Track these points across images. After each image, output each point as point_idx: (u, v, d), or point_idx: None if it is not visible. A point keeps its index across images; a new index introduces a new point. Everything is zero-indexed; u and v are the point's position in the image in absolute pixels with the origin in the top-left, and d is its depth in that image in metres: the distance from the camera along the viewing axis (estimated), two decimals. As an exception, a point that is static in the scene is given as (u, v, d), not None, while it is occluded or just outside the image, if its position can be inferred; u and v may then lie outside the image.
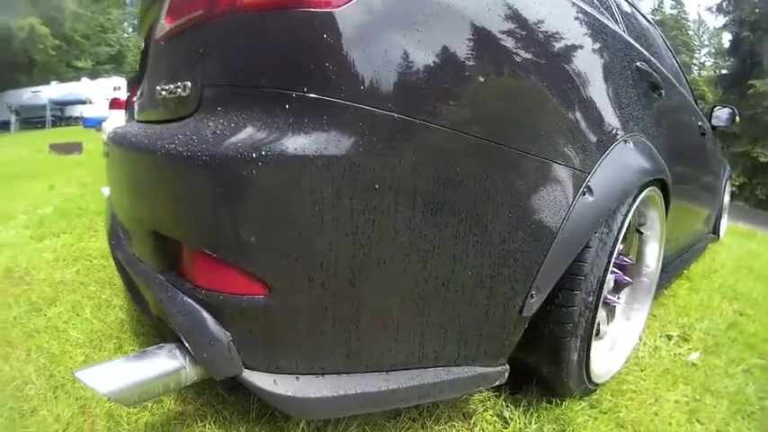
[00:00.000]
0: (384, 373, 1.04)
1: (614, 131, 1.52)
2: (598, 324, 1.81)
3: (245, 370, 0.95)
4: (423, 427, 1.38)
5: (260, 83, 0.91)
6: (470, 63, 1.04)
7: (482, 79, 1.06)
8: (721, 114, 3.40)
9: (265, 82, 0.90)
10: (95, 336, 1.78)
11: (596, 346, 1.80)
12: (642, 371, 1.99)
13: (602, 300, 1.52)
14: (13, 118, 24.72)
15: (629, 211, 1.54)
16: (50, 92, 25.10)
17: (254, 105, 0.89)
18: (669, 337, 2.30)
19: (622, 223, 1.52)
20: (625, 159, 1.52)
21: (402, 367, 1.07)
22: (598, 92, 1.49)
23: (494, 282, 1.14)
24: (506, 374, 1.26)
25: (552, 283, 1.26)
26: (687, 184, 2.61)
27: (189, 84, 1.01)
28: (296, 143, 0.84)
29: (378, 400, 1.02)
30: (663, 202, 1.90)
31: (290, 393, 0.94)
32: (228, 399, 1.36)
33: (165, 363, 0.93)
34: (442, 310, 1.08)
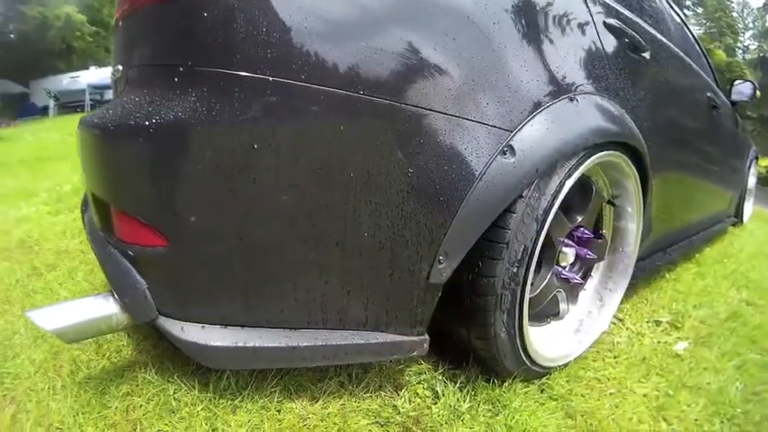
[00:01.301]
0: (287, 329, 1.01)
1: (555, 88, 1.25)
2: (558, 303, 1.55)
3: (161, 316, 1.00)
4: (349, 393, 1.25)
5: (156, 60, 0.99)
6: (352, 18, 0.94)
7: (369, 34, 0.94)
8: (742, 89, 2.95)
9: (160, 59, 0.98)
10: (81, 295, 1.76)
11: (553, 327, 1.54)
12: (615, 357, 1.69)
13: (530, 273, 1.25)
14: (51, 103, 24.30)
15: (569, 175, 1.27)
16: (89, 77, 24.27)
17: (153, 81, 0.97)
18: (657, 323, 1.97)
19: (559, 188, 1.25)
20: (566, 118, 1.24)
21: (306, 326, 1.03)
22: (533, 44, 1.23)
23: (395, 244, 1.02)
24: (426, 345, 1.12)
25: (464, 249, 1.07)
26: (688, 159, 2.24)
27: (121, 67, 1.12)
28: (181, 110, 0.88)
29: (279, 355, 1.00)
30: (635, 172, 1.59)
31: (194, 340, 0.96)
32: (177, 352, 1.25)
33: (101, 307, 1.00)
34: (341, 271, 1.01)
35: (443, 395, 1.29)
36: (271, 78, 0.87)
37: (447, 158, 1.02)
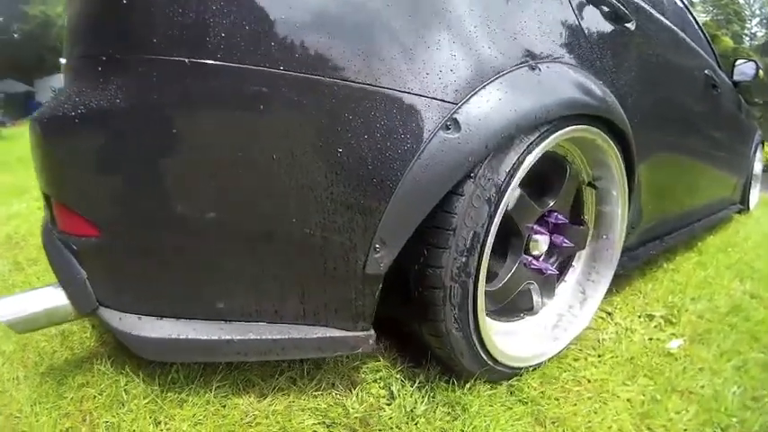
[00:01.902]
0: (221, 322, 0.95)
1: (512, 55, 1.06)
2: (531, 296, 1.36)
3: (102, 307, 0.98)
4: (299, 390, 1.15)
5: (84, 52, 0.94)
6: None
7: (288, 6, 0.84)
8: (744, 69, 2.70)
9: (85, 50, 0.94)
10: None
11: (525, 323, 1.35)
12: (599, 356, 1.48)
13: (483, 263, 1.06)
14: (55, 101, 25.28)
15: (529, 151, 1.08)
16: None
17: (82, 72, 0.93)
18: (650, 318, 1.76)
19: (516, 166, 1.06)
20: (524, 88, 1.05)
21: (240, 319, 0.95)
22: (485, 7, 1.05)
23: (326, 231, 0.90)
24: (371, 341, 0.99)
25: (403, 236, 0.93)
26: (684, 140, 2.02)
27: (63, 60, 1.07)
28: (103, 100, 0.85)
29: (214, 349, 0.93)
30: (617, 151, 1.38)
31: (130, 331, 0.94)
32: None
33: (51, 299, 0.98)
34: (271, 261, 0.92)
35: (399, 395, 1.16)
36: (187, 60, 0.81)
37: (380, 136, 0.88)
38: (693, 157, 2.15)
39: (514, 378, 1.29)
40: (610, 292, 1.83)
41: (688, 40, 2.12)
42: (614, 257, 1.53)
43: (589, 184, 1.48)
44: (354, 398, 1.14)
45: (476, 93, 0.97)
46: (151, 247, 0.92)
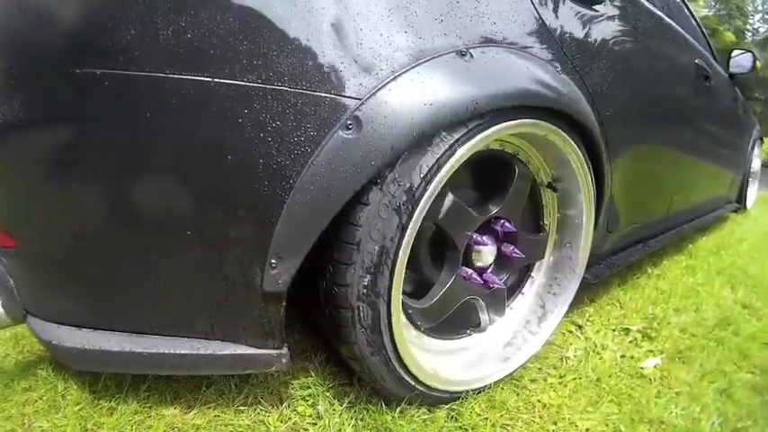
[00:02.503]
0: (133, 334, 0.92)
1: (434, 40, 0.88)
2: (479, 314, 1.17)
3: (30, 315, 1.00)
4: (225, 405, 1.08)
5: None
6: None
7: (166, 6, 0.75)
8: (741, 60, 2.46)
9: None
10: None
11: (472, 341, 1.17)
12: (560, 377, 1.29)
13: (396, 282, 0.90)
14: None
15: (452, 152, 0.89)
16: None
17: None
18: (626, 332, 1.56)
19: (434, 170, 0.88)
20: (447, 77, 0.87)
21: (150, 332, 0.92)
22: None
23: (222, 245, 0.82)
24: (285, 360, 0.91)
25: (300, 251, 0.81)
26: (668, 134, 1.80)
27: None
28: (8, 112, 0.83)
29: (128, 361, 0.91)
30: (579, 148, 1.18)
31: (52, 340, 0.94)
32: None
33: None
34: (172, 274, 0.87)
35: (325, 415, 1.05)
36: (78, 71, 0.77)
37: (272, 140, 0.77)
38: (681, 154, 1.92)
39: (457, 402, 1.12)
40: (582, 302, 1.64)
41: (676, 26, 1.90)
42: (578, 267, 1.33)
43: (548, 185, 1.28)
44: (279, 415, 1.05)
45: (384, 86, 0.81)
46: (63, 258, 0.91)
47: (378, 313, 0.88)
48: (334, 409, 1.06)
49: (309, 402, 1.09)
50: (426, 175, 0.86)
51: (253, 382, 1.13)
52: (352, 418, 1.04)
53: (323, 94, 0.77)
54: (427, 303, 1.07)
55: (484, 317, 1.21)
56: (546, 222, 1.33)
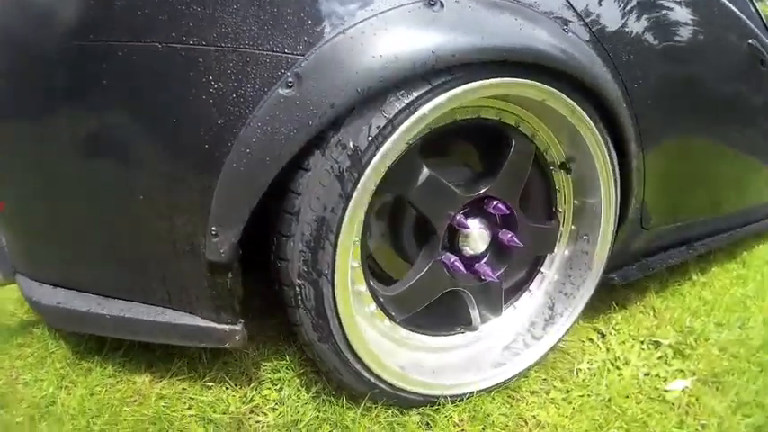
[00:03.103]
0: (100, 296, 0.92)
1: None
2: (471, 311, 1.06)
3: (18, 274, 1.03)
4: (193, 378, 1.05)
5: None
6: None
7: None
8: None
9: None
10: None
11: (458, 340, 1.01)
12: (566, 392, 1.10)
13: (341, 257, 0.78)
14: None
15: (409, 112, 0.75)
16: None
17: None
18: (656, 346, 1.32)
19: (386, 132, 0.74)
20: (405, 29, 0.73)
21: (115, 295, 0.91)
22: None
23: (170, 211, 0.79)
24: (238, 338, 0.85)
25: (238, 219, 0.73)
26: (717, 124, 1.51)
27: None
28: None
29: (96, 323, 0.91)
30: (595, 123, 0.98)
31: (31, 296, 0.97)
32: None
33: None
34: (129, 239, 0.86)
35: (287, 402, 0.99)
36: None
37: (213, 102, 0.72)
38: (731, 147, 1.62)
39: (434, 407, 0.97)
40: (610, 307, 1.41)
41: (724, 0, 1.61)
42: (595, 264, 1.12)
43: (561, 166, 1.08)
44: (242, 396, 1.00)
45: (331, 39, 0.70)
46: (38, 218, 0.93)
47: (321, 294, 0.78)
48: (298, 397, 0.99)
49: (277, 387, 1.03)
50: (376, 137, 0.72)
51: (226, 360, 1.09)
52: (313, 410, 0.96)
53: (265, 52, 0.70)
54: (398, 290, 0.93)
55: (474, 313, 1.04)
56: (559, 209, 1.12)
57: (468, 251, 0.98)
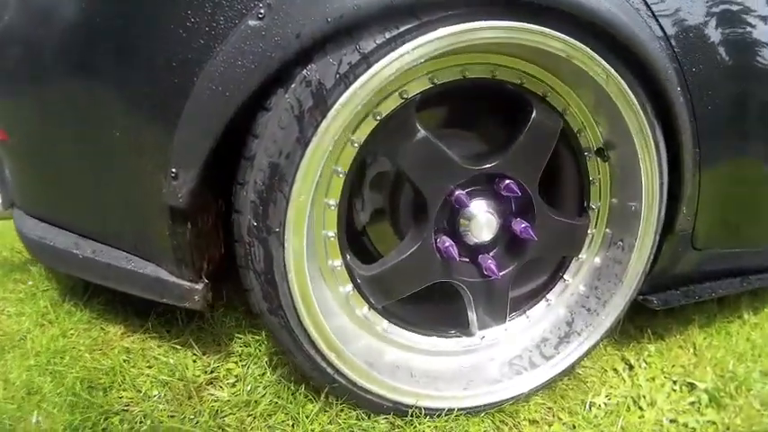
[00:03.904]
0: (78, 236, 0.88)
1: None
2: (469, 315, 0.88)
3: (17, 207, 1.03)
4: (164, 338, 1.01)
5: None
6: None
7: None
8: None
9: None
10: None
11: (453, 345, 0.88)
12: (572, 428, 0.90)
13: (294, 212, 0.66)
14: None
15: (390, 48, 0.62)
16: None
17: None
18: (690, 388, 1.08)
19: (358, 70, 0.63)
20: None
21: (90, 237, 0.88)
22: None
23: (138, 149, 0.72)
24: (198, 298, 0.77)
25: (197, 159, 0.66)
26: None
27: None
28: None
29: (67, 261, 0.88)
30: (645, 104, 0.80)
31: (21, 229, 0.96)
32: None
33: None
34: (95, 178, 0.81)
35: (248, 380, 0.91)
36: None
37: (186, 36, 0.65)
38: None
39: (405, 417, 0.82)
40: (643, 333, 1.20)
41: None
42: (628, 278, 0.93)
43: (597, 152, 0.88)
44: (206, 365, 0.94)
45: None
46: (26, 151, 0.92)
47: (270, 256, 0.67)
48: (261, 377, 0.91)
49: (243, 362, 0.95)
50: (346, 74, 0.61)
51: (201, 325, 1.03)
52: (272, 394, 0.87)
53: None
54: (376, 270, 0.79)
55: (471, 315, 0.86)
56: (592, 206, 0.93)
57: (472, 238, 0.80)
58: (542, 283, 0.99)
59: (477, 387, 0.84)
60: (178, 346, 0.97)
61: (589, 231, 0.96)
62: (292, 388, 0.85)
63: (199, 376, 0.91)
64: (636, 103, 0.78)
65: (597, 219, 0.96)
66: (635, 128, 0.81)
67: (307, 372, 0.76)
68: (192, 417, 0.82)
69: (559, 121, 0.82)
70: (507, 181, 0.78)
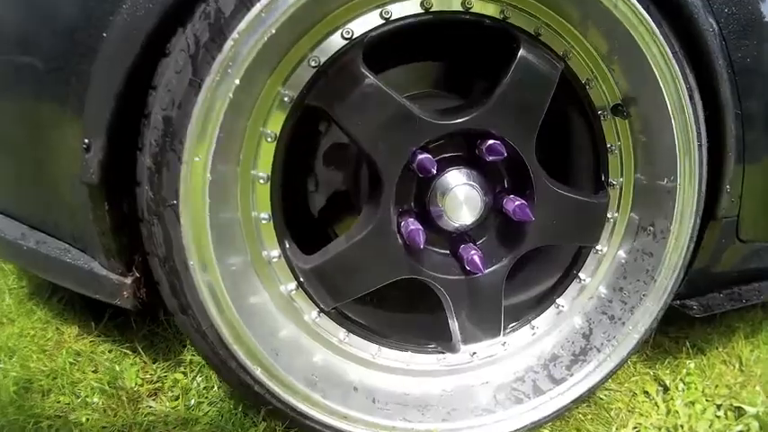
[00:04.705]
0: (25, 226, 0.80)
1: None
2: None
3: None
4: (118, 342, 0.94)
5: None
6: None
7: None
8: None
9: None
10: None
11: (420, 360, 0.67)
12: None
13: (188, 174, 0.54)
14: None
15: None
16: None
17: None
18: (736, 413, 0.87)
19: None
20: None
21: (37, 226, 0.79)
22: None
23: (62, 123, 0.62)
24: (128, 294, 0.65)
25: (103, 126, 0.56)
26: None
27: None
28: None
29: (15, 252, 0.80)
30: (676, 48, 0.61)
31: None
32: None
33: None
34: (26, 156, 0.73)
35: (191, 395, 0.83)
36: None
37: None
38: None
39: None
40: (680, 347, 1.01)
41: None
42: (663, 276, 0.71)
43: (615, 110, 0.67)
44: (151, 374, 0.89)
45: None
46: None
47: (169, 237, 0.56)
48: (206, 392, 0.83)
49: (192, 373, 0.87)
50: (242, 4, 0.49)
51: (156, 330, 0.96)
52: (215, 412, 0.79)
53: None
54: (317, 262, 0.61)
55: (453, 325, 0.65)
56: (612, 181, 0.71)
57: (448, 221, 0.60)
58: (552, 284, 0.78)
59: (460, 418, 0.64)
60: (129, 352, 0.92)
61: (610, 216, 0.74)
62: (237, 408, 0.76)
63: (142, 386, 0.85)
64: (660, 38, 0.58)
65: (620, 199, 0.75)
66: (660, 74, 0.61)
67: (234, 388, 0.63)
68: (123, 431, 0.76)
69: (557, 67, 0.62)
70: (491, 141, 0.57)
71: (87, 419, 0.77)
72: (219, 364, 0.60)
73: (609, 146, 0.71)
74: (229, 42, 0.50)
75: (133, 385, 0.84)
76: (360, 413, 0.61)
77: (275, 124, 0.58)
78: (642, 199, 0.74)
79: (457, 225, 0.61)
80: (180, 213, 0.53)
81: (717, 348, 1.04)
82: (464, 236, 0.66)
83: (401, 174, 0.59)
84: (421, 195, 0.63)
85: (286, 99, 0.57)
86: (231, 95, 0.50)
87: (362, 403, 0.63)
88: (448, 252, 0.67)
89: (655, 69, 0.61)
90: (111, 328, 0.96)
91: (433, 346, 0.71)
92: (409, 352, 0.71)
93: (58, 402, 0.81)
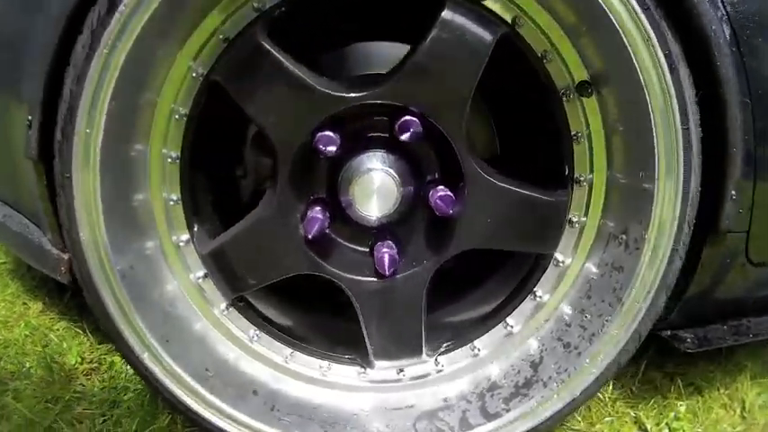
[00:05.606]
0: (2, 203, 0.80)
1: None
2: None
3: None
4: (75, 319, 0.97)
5: None
6: None
7: None
8: None
9: None
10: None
11: (348, 373, 0.60)
12: None
13: (83, 158, 0.54)
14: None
15: None
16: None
17: None
18: None
19: None
20: None
21: (7, 202, 0.80)
22: None
23: (10, 96, 0.64)
24: (65, 268, 0.65)
25: (38, 100, 0.57)
26: None
27: None
28: None
29: None
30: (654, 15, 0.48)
31: None
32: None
33: None
34: None
35: (121, 377, 0.84)
36: None
37: None
38: None
39: None
40: (672, 384, 0.87)
41: None
42: (632, 297, 0.58)
43: (579, 88, 0.56)
44: (91, 353, 0.91)
45: None
46: None
47: (70, 208, 0.55)
48: (134, 377, 0.83)
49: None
50: None
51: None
52: (138, 396, 0.80)
53: None
54: (214, 245, 0.58)
55: (365, 334, 0.53)
56: (579, 177, 0.59)
57: (357, 211, 0.49)
58: (502, 299, 0.67)
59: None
60: (80, 331, 0.94)
61: (575, 220, 0.62)
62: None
63: (81, 364, 0.88)
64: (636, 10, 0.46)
65: (589, 200, 0.62)
66: (630, 36, 0.48)
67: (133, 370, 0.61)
68: (50, 404, 0.79)
69: (495, 31, 0.50)
70: (406, 116, 0.46)
71: (25, 388, 0.81)
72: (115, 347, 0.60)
73: (574, 133, 0.59)
74: (116, 14, 0.49)
75: (73, 363, 0.87)
76: (250, 418, 0.56)
77: (185, 102, 0.54)
78: (617, 201, 0.61)
79: (365, 216, 0.51)
80: (73, 186, 0.54)
81: (717, 389, 0.89)
82: (386, 233, 0.55)
83: (301, 154, 0.50)
84: (332, 182, 0.54)
85: (194, 75, 0.53)
86: (122, 66, 0.50)
87: (257, 408, 0.57)
88: (367, 250, 0.56)
89: (620, 29, 0.49)
90: (72, 307, 0.99)
91: (352, 357, 0.61)
92: (327, 360, 0.61)
93: (5, 369, 0.85)
